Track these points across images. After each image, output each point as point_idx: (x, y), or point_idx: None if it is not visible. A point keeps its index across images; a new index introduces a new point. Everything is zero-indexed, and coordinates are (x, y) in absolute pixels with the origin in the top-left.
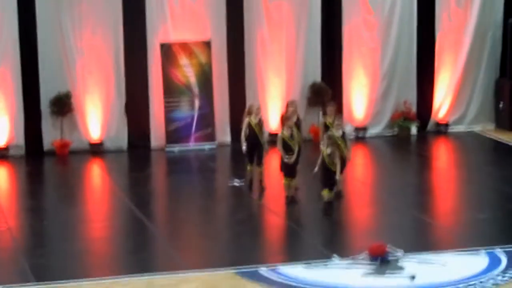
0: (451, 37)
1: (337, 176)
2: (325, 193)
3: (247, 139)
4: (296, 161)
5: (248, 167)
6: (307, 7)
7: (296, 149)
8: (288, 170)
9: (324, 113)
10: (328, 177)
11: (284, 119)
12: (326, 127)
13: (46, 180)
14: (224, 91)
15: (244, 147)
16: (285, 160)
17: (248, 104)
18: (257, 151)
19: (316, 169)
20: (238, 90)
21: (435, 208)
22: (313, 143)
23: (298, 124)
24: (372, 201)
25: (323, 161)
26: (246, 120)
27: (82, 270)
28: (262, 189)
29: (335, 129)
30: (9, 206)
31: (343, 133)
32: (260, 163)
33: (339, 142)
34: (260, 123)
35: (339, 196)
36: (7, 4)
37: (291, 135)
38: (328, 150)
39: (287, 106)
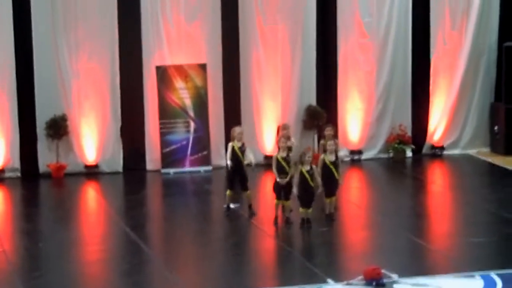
0: (446, 61)
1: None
2: (303, 211)
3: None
4: (290, 184)
5: (228, 192)
6: (302, 31)
7: (290, 172)
8: (280, 192)
9: (322, 137)
10: (307, 196)
11: (279, 141)
12: (325, 151)
13: (41, 202)
14: (219, 114)
15: (229, 163)
16: (278, 180)
17: (232, 128)
18: (240, 176)
19: (294, 189)
20: (234, 113)
21: (430, 231)
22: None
23: (290, 148)
24: (367, 224)
25: (302, 180)
26: (230, 145)
27: None
28: (252, 213)
29: (328, 153)
30: (4, 229)
31: (336, 157)
32: (245, 188)
33: (331, 167)
34: (242, 148)
35: (331, 219)
36: (3, 27)
37: (286, 157)
38: (307, 167)
39: (279, 129)
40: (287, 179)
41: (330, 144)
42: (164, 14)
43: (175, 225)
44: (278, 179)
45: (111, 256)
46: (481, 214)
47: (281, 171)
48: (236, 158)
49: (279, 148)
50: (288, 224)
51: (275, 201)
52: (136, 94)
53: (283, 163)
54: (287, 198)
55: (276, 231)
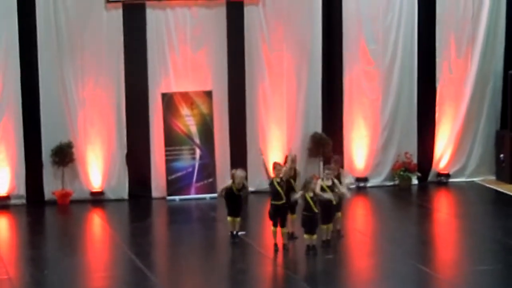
0: (452, 88)
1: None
2: (308, 238)
3: (226, 197)
4: (285, 210)
5: (228, 219)
6: (308, 58)
7: (284, 198)
8: (276, 219)
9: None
10: (311, 223)
11: (274, 166)
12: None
13: (47, 229)
14: (225, 141)
15: (221, 194)
16: (272, 202)
17: (232, 171)
18: (237, 203)
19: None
20: (239, 140)
21: (436, 259)
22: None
23: (295, 177)
24: (372, 252)
25: (306, 206)
26: (229, 183)
27: None
28: (236, 239)
29: (324, 178)
30: (9, 256)
31: (333, 183)
32: (238, 214)
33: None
34: (241, 191)
35: (327, 245)
36: (10, 54)
37: (280, 182)
38: (311, 194)
39: (286, 158)
40: (281, 202)
41: (327, 172)
42: (170, 42)
43: (181, 252)
44: (272, 202)
45: (116, 284)
46: (487, 242)
47: (276, 195)
48: (232, 194)
49: (274, 172)
50: (285, 251)
51: (272, 228)
52: (141, 121)
53: (277, 187)
54: (282, 225)
55: (281, 258)
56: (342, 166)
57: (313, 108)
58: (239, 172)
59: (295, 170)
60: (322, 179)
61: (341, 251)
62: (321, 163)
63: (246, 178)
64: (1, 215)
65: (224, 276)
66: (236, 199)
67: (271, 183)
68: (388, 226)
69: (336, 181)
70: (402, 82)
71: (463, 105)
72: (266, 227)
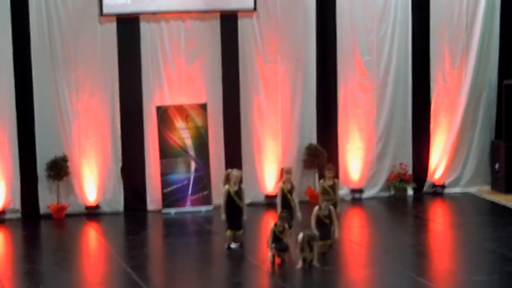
0: (446, 99)
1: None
2: (306, 253)
3: (226, 207)
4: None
5: (228, 232)
6: (303, 70)
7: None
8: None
9: (323, 177)
10: (309, 243)
11: (283, 172)
12: (325, 191)
13: (42, 243)
14: (220, 154)
15: (223, 217)
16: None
17: (227, 170)
18: (237, 216)
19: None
20: (234, 152)
21: (431, 269)
22: (309, 205)
23: (291, 190)
24: (368, 263)
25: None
26: (225, 188)
27: None
28: (242, 251)
29: (326, 178)
30: (5, 270)
31: (333, 182)
32: (239, 227)
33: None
34: (239, 192)
35: (330, 247)
36: (3, 66)
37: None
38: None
39: (282, 172)
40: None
41: (328, 171)
42: (165, 55)
43: (176, 265)
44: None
45: None
46: (482, 253)
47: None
48: (232, 201)
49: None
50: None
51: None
52: (136, 134)
53: (289, 196)
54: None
55: (277, 271)
56: (336, 176)
57: (308, 119)
58: (235, 172)
59: (291, 183)
60: (320, 208)
61: (337, 262)
62: (316, 175)
63: (241, 180)
64: None
65: None
66: (236, 209)
67: (282, 192)
68: (384, 237)
69: (336, 181)
70: (396, 93)
71: (457, 115)
72: (262, 240)
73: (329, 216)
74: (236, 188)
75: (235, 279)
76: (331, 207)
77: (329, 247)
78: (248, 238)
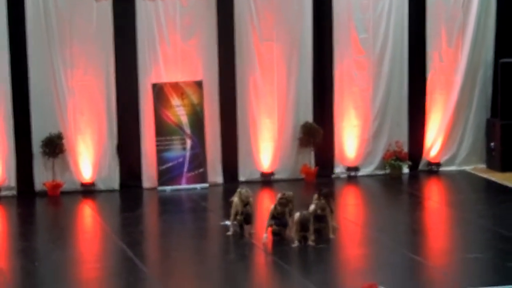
0: (442, 77)
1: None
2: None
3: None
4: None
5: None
6: (299, 48)
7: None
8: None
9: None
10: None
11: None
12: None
13: (37, 221)
14: (216, 131)
15: (231, 231)
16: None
17: (238, 189)
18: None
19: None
20: (230, 130)
21: (427, 247)
22: (305, 183)
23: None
24: (364, 241)
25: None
26: (235, 200)
27: None
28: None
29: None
30: (0, 248)
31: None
32: (249, 222)
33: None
34: (246, 208)
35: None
36: None
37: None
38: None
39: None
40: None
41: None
42: (160, 32)
43: (172, 242)
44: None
45: (107, 274)
46: (477, 231)
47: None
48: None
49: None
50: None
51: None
52: (132, 112)
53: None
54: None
55: (273, 249)
56: (333, 198)
57: (304, 97)
58: (244, 191)
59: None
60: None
61: (332, 240)
62: (312, 153)
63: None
64: None
65: (215, 266)
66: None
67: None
68: (379, 215)
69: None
70: (392, 71)
71: (453, 94)
72: (257, 217)
73: (323, 217)
74: (246, 201)
75: (230, 256)
76: (327, 209)
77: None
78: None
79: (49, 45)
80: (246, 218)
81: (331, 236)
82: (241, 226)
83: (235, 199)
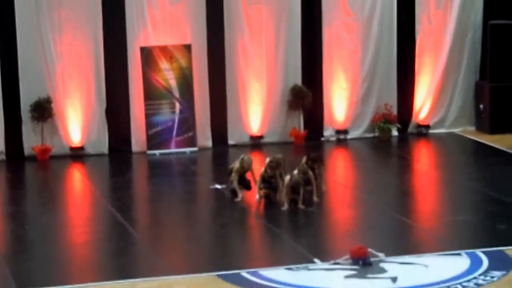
0: (431, 39)
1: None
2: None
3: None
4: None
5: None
6: (287, 11)
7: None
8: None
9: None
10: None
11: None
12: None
13: (27, 185)
14: (205, 95)
15: (239, 197)
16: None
17: (241, 156)
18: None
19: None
20: (219, 94)
21: (416, 210)
22: (294, 146)
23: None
24: (353, 203)
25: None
26: (236, 165)
27: (64, 275)
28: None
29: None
30: None
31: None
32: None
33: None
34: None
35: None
36: None
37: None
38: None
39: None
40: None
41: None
42: None
43: (161, 206)
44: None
45: (97, 238)
46: (467, 193)
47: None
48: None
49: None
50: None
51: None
52: (120, 75)
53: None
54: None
55: (262, 212)
56: (321, 162)
57: (293, 60)
58: (247, 158)
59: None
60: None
61: (321, 203)
62: (301, 116)
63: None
64: None
65: (205, 230)
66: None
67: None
68: (369, 177)
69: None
70: (381, 33)
71: (442, 56)
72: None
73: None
74: (244, 169)
75: (220, 220)
76: (310, 173)
77: (310, 193)
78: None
79: (37, 10)
80: (248, 184)
81: (315, 199)
82: (233, 191)
83: (237, 164)
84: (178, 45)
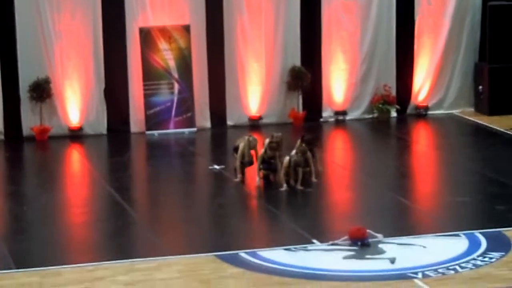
0: (430, 21)
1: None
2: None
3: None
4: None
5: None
6: None
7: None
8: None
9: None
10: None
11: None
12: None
13: (25, 165)
14: (203, 76)
15: (238, 178)
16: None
17: (246, 136)
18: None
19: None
20: (218, 74)
21: (415, 191)
22: (293, 127)
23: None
24: (351, 185)
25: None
26: (241, 145)
27: (63, 255)
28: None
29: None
30: None
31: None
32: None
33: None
34: (251, 150)
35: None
36: None
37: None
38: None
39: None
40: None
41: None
42: None
43: (160, 187)
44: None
45: (95, 219)
46: (466, 174)
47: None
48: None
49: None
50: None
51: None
52: (119, 56)
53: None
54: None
55: (261, 192)
56: (316, 144)
57: (292, 41)
58: (252, 139)
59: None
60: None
61: (320, 184)
62: (300, 97)
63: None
64: None
65: (203, 210)
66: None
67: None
68: (367, 159)
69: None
70: (380, 14)
71: (441, 37)
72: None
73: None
74: (248, 148)
75: (218, 200)
76: (308, 153)
77: (308, 174)
78: (232, 160)
79: None
80: (251, 160)
81: (314, 179)
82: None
83: (241, 144)
84: (177, 25)
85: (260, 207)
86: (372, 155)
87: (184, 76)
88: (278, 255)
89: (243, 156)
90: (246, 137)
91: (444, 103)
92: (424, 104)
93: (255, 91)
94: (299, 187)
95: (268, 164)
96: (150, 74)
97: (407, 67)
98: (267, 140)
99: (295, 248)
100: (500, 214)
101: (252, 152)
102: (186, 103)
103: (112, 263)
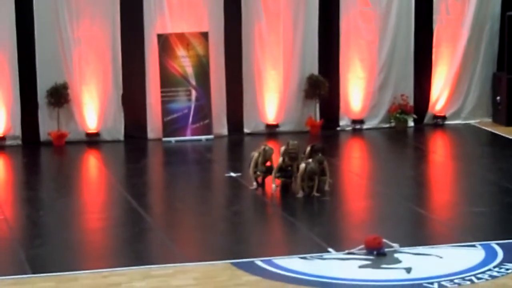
0: (449, 30)
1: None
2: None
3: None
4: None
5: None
6: None
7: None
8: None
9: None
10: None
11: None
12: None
13: (42, 170)
14: (221, 83)
15: (254, 186)
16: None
17: (262, 146)
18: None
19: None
20: (235, 81)
21: (431, 201)
22: (310, 135)
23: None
24: (368, 194)
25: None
26: (255, 155)
27: (79, 261)
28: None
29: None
30: (5, 197)
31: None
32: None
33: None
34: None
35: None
36: None
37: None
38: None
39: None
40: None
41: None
42: None
43: (176, 193)
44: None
45: (112, 224)
46: (483, 184)
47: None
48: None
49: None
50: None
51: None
52: (137, 62)
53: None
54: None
55: (277, 200)
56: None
57: (310, 49)
58: (268, 149)
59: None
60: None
61: (337, 193)
62: (317, 105)
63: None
64: None
65: (219, 218)
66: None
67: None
68: (384, 168)
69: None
70: (399, 23)
71: (460, 47)
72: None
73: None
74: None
75: (234, 207)
76: (325, 162)
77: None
78: (248, 168)
79: None
80: (267, 172)
81: (326, 188)
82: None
83: (256, 154)
84: (195, 32)
85: (276, 215)
86: (389, 164)
87: (202, 83)
88: (293, 263)
89: (256, 165)
90: (262, 147)
91: (462, 113)
92: (442, 114)
93: (272, 98)
94: (315, 193)
95: (285, 171)
96: (168, 81)
97: (425, 76)
98: (282, 148)
99: (311, 256)
100: None
101: (268, 163)
102: (203, 110)
103: (128, 269)
